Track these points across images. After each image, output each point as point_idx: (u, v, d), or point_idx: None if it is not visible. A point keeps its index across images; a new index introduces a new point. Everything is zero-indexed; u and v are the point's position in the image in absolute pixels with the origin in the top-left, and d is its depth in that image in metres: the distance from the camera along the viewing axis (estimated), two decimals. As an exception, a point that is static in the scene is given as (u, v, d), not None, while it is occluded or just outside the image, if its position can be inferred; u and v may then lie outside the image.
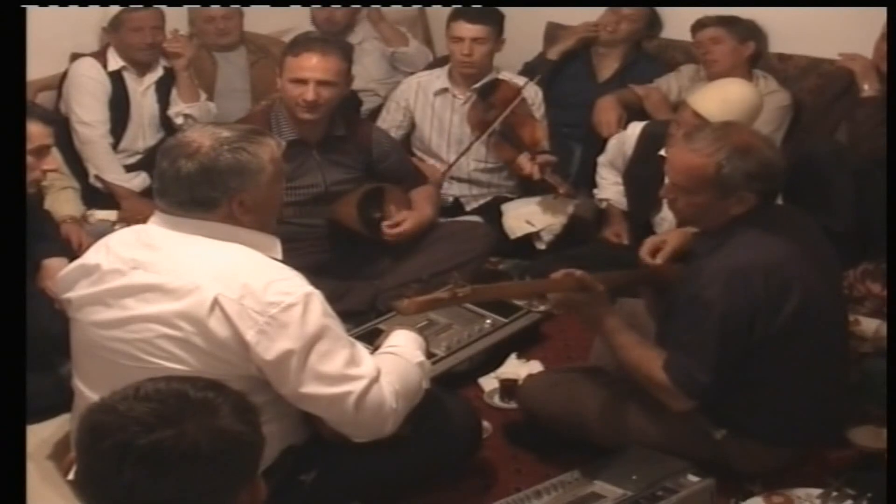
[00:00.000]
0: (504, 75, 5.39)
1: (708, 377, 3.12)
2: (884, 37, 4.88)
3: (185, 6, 5.76)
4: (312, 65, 4.31)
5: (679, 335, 3.19)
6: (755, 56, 5.39)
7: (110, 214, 5.01)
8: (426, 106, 5.46)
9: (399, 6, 6.56)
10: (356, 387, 2.67)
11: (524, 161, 5.03)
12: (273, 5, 6.07)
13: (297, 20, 6.07)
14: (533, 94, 5.40)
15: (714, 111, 4.22)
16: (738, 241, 3.19)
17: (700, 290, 3.15)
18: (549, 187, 5.01)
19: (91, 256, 2.85)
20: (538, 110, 5.40)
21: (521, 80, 5.39)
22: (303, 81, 4.31)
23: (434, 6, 6.41)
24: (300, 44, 4.42)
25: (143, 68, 5.33)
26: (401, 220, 4.60)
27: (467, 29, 5.27)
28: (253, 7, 5.88)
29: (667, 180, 3.45)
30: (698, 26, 5.38)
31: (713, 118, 4.13)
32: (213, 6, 5.69)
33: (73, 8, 5.22)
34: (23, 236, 3.01)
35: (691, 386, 3.14)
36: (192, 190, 2.71)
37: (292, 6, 6.14)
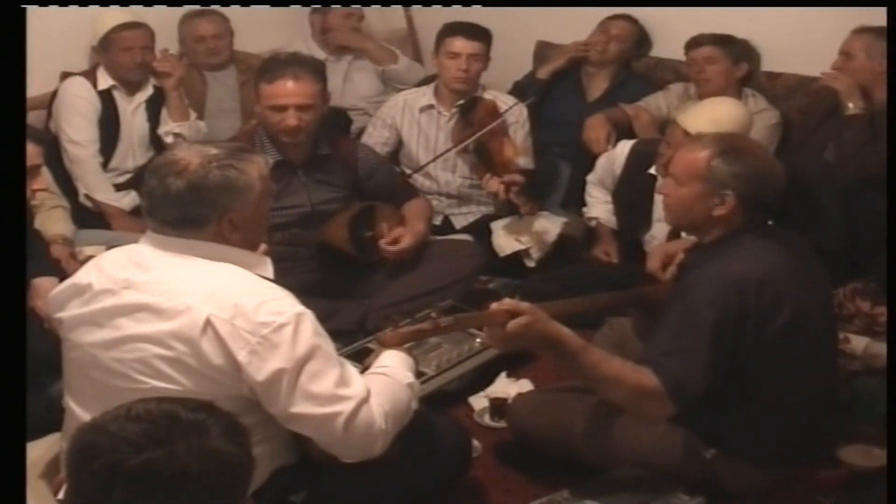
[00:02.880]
0: (491, 94, 5.40)
1: (701, 383, 3.07)
2: (846, 56, 4.90)
3: (180, 13, 5.78)
4: (288, 90, 4.30)
5: (669, 341, 3.14)
6: (747, 77, 5.42)
7: (98, 251, 4.98)
8: (413, 123, 5.47)
9: (392, 7, 6.58)
10: (346, 407, 2.67)
11: (490, 180, 5.02)
12: (273, 6, 6.10)
13: (288, 39, 6.09)
14: (517, 112, 5.41)
15: (704, 130, 4.22)
16: (732, 253, 3.21)
17: (694, 297, 3.14)
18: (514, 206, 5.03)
19: (83, 276, 2.84)
20: (522, 128, 5.42)
21: (505, 98, 5.42)
22: (282, 108, 4.31)
23: (434, 6, 6.41)
24: (271, 70, 4.37)
25: (132, 87, 5.34)
26: (399, 237, 4.60)
27: (466, 45, 5.29)
28: (246, 20, 5.92)
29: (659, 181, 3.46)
30: (693, 44, 5.40)
31: (703, 137, 4.16)
32: (203, 26, 5.71)
33: (64, 26, 5.25)
34: (23, 256, 3.02)
35: (684, 390, 3.07)
36: (181, 208, 2.70)
37: (292, 6, 6.17)
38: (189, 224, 2.72)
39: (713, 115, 4.41)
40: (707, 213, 3.25)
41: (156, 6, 5.54)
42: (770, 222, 3.40)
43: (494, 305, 3.07)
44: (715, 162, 3.22)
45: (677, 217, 3.45)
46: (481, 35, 5.32)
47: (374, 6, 6.46)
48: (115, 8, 5.30)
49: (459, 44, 5.29)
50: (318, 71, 4.46)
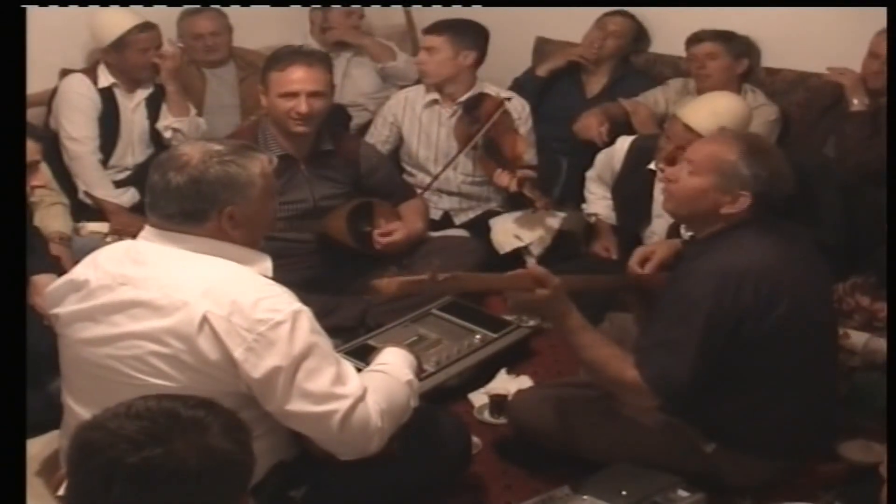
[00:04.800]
0: (489, 89, 5.40)
1: (684, 377, 3.09)
2: (872, 54, 4.89)
3: (177, 12, 5.78)
4: (301, 77, 4.35)
5: (660, 332, 3.18)
6: (747, 73, 5.42)
7: (102, 227, 5.01)
8: (414, 120, 5.47)
9: (392, 7, 6.58)
10: (341, 405, 2.66)
11: (502, 174, 5.04)
12: (273, 6, 6.10)
13: (287, 36, 6.08)
14: (519, 107, 5.42)
15: (704, 124, 4.23)
16: (731, 245, 3.21)
17: (689, 289, 3.15)
18: (527, 201, 5.02)
19: (79, 272, 2.84)
20: (525, 124, 5.41)
21: (505, 94, 5.42)
22: (293, 94, 4.34)
23: (434, 6, 6.41)
24: (283, 58, 4.43)
25: (133, 85, 5.34)
26: (392, 230, 4.62)
27: (424, 39, 5.40)
28: (244, 16, 5.92)
29: (661, 176, 3.44)
30: (694, 40, 5.40)
31: (703, 131, 4.16)
32: (202, 23, 5.70)
33: (65, 23, 5.26)
34: (23, 253, 3.02)
35: (665, 385, 3.11)
36: (181, 202, 2.71)
37: (292, 6, 6.18)
38: (189, 218, 2.72)
39: (713, 108, 4.40)
40: (714, 208, 3.24)
41: (156, 6, 5.54)
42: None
43: (532, 265, 3.31)
44: (741, 162, 3.20)
45: (680, 206, 3.42)
46: (443, 29, 5.36)
47: (374, 6, 6.46)
48: (116, 8, 5.30)
49: (423, 39, 5.41)
50: (326, 61, 4.55)
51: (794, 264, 3.23)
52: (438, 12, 6.12)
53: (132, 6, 5.36)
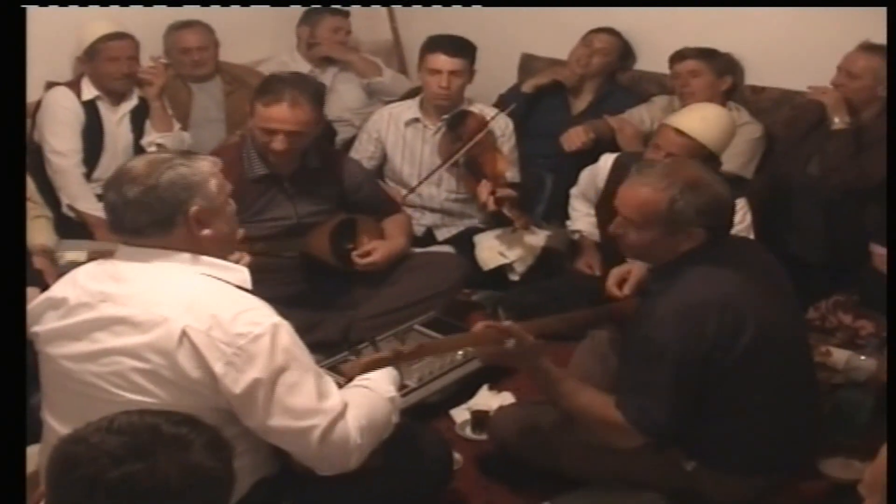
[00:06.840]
0: (475, 107, 5.40)
1: (664, 415, 3.12)
2: (851, 75, 4.91)
3: (166, 22, 5.77)
4: (283, 117, 4.23)
5: (633, 375, 3.19)
6: (731, 90, 5.45)
7: (80, 255, 4.98)
8: (397, 136, 5.46)
9: (380, 21, 6.59)
10: (321, 421, 2.66)
11: (482, 192, 5.04)
12: (273, 5, 6.11)
13: (273, 50, 6.09)
14: (503, 125, 5.41)
15: (695, 128, 4.26)
16: (688, 279, 3.19)
17: (653, 331, 3.15)
18: (508, 220, 5.02)
19: (58, 290, 2.83)
20: (508, 141, 5.42)
21: (491, 112, 5.41)
22: (273, 131, 4.26)
23: (434, 6, 6.43)
24: (270, 91, 4.28)
25: (117, 98, 5.33)
26: (371, 250, 4.60)
27: (447, 62, 5.26)
28: (231, 30, 5.93)
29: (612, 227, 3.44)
30: (678, 58, 5.43)
31: (695, 134, 4.20)
32: (188, 37, 5.71)
33: (50, 34, 5.24)
34: (23, 260, 3.02)
35: (647, 424, 3.14)
36: (143, 212, 2.70)
37: (292, 6, 6.22)
38: (157, 227, 2.72)
39: (703, 114, 4.41)
40: (674, 249, 3.24)
41: (156, 6, 5.55)
42: (752, 234, 3.40)
43: (482, 326, 3.28)
44: (679, 204, 3.16)
45: (639, 255, 3.47)
46: (463, 51, 5.29)
47: (373, 6, 6.48)
48: (101, 18, 5.30)
49: (440, 60, 5.27)
50: (316, 95, 4.40)
51: (755, 288, 3.22)
52: (439, 12, 6.14)
53: (131, 6, 5.38)
